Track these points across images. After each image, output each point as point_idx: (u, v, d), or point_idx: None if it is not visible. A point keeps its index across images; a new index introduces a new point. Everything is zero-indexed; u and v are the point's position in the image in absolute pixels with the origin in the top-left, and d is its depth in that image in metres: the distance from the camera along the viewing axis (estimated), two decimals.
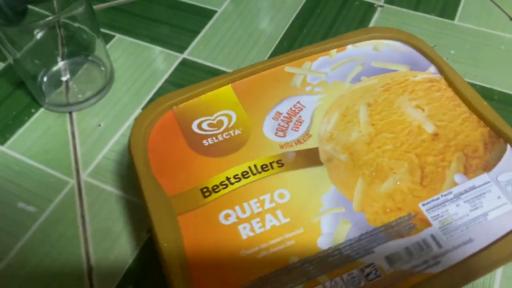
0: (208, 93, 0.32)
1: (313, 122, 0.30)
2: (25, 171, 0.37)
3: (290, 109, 0.31)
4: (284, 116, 0.31)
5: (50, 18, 0.32)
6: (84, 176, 0.36)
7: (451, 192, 0.27)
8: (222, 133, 0.30)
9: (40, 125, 0.39)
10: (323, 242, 0.25)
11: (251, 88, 0.32)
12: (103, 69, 0.41)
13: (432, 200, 0.27)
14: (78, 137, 0.38)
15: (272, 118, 0.31)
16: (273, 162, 0.29)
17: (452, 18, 0.46)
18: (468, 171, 0.28)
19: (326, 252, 0.25)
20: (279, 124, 0.30)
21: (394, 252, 0.25)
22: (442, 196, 0.27)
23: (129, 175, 0.36)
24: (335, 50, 0.34)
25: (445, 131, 0.29)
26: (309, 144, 0.29)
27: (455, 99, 0.31)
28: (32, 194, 0.35)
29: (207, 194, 0.27)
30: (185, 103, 0.32)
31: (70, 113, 0.40)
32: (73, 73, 0.41)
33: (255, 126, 0.30)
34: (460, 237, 0.25)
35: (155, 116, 0.31)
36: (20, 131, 0.39)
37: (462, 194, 0.27)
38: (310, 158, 0.29)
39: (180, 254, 0.25)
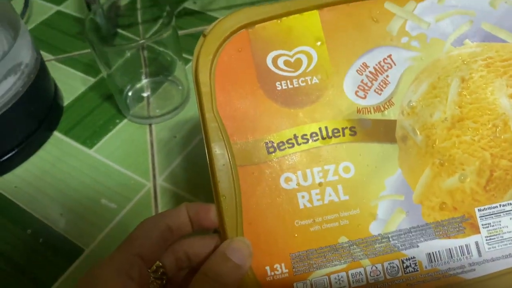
0: (291, 16, 0.27)
1: (399, 87, 0.27)
2: (108, 172, 0.40)
3: (379, 63, 0.28)
4: (370, 71, 0.27)
5: (140, 42, 0.39)
6: (159, 180, 0.40)
7: (510, 204, 0.27)
8: (298, 77, 0.27)
9: (123, 134, 0.43)
10: (375, 227, 0.26)
11: (341, 22, 0.28)
12: (180, 88, 0.45)
13: (490, 208, 0.27)
14: (156, 146, 0.42)
15: (357, 70, 0.27)
16: (346, 128, 0.27)
17: None
18: None
19: (375, 238, 0.26)
20: (362, 81, 0.27)
21: (436, 251, 0.26)
22: (500, 205, 0.27)
23: (198, 181, 0.39)
24: None
25: None
26: (389, 115, 0.27)
27: None
28: (113, 193, 0.39)
29: (271, 150, 0.26)
30: (263, 23, 0.27)
31: (150, 125, 0.44)
32: (154, 90, 0.46)
33: (336, 77, 0.27)
34: (502, 251, 0.26)
35: (227, 33, 0.27)
36: (106, 137, 0.43)
37: None
38: (386, 132, 0.27)
39: (236, 209, 0.25)
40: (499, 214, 0.27)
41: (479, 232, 0.26)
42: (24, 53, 0.40)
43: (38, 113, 0.42)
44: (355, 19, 0.28)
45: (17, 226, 0.37)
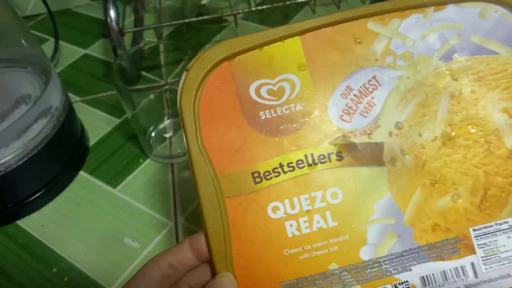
0: (272, 45, 0.28)
1: (386, 108, 0.27)
2: (131, 211, 0.41)
3: (364, 85, 0.27)
4: (354, 94, 0.27)
5: (166, 87, 0.39)
6: (181, 219, 0.40)
7: (506, 222, 0.26)
8: (281, 105, 0.27)
9: (146, 173, 0.44)
10: (365, 252, 0.26)
11: (323, 46, 0.28)
12: None
13: (485, 227, 0.26)
14: (177, 186, 0.43)
15: (341, 94, 0.27)
16: (332, 153, 0.27)
17: None
18: None
19: (366, 263, 0.26)
20: (346, 105, 0.27)
21: (430, 274, 0.26)
22: (496, 224, 0.26)
23: None
24: (433, 7, 0.28)
25: None
26: (375, 137, 0.27)
27: None
28: (136, 232, 0.40)
29: (258, 180, 0.26)
30: (245, 54, 0.27)
31: (172, 164, 0.45)
32: (176, 130, 0.46)
33: (320, 103, 0.27)
34: (499, 271, 0.26)
35: (209, 66, 0.27)
36: (130, 177, 0.44)
37: None
38: (373, 155, 0.27)
39: (225, 241, 0.26)
40: (495, 233, 0.26)
41: (475, 253, 0.26)
42: (54, 97, 0.41)
43: (65, 153, 0.44)
44: (338, 42, 0.28)
45: (43, 264, 0.38)
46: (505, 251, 0.26)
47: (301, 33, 0.28)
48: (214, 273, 0.26)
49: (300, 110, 0.27)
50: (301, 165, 0.26)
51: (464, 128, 0.27)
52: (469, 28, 0.28)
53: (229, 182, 0.26)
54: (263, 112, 0.27)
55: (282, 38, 0.27)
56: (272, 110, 0.27)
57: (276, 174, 0.26)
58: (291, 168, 0.26)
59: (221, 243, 0.26)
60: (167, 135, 0.46)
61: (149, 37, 0.60)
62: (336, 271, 0.26)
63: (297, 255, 0.26)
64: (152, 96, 0.41)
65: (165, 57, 0.50)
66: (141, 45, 0.51)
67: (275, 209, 0.26)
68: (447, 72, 0.27)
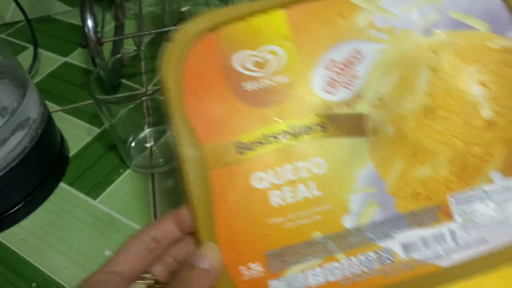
0: (257, 16, 0.28)
1: (368, 80, 0.28)
2: (112, 223, 0.41)
3: (347, 58, 0.28)
4: (338, 67, 0.28)
5: (145, 98, 0.40)
6: None
7: (484, 190, 0.27)
8: (266, 77, 0.27)
9: (126, 184, 0.44)
10: (348, 221, 0.26)
11: (307, 19, 0.28)
12: None
13: (463, 195, 0.27)
14: (158, 196, 0.42)
15: (325, 67, 0.27)
16: (316, 124, 0.27)
17: None
18: (508, 170, 0.27)
19: (349, 231, 0.26)
20: (330, 77, 0.27)
21: (411, 240, 0.26)
22: (474, 192, 0.27)
23: None
24: None
25: (502, 120, 0.27)
26: (358, 109, 0.27)
27: None
28: (117, 244, 0.37)
29: (241, 150, 0.26)
30: (230, 25, 0.27)
31: (152, 174, 0.44)
32: (156, 140, 0.46)
33: (304, 75, 0.27)
34: (477, 237, 0.27)
35: (193, 37, 0.27)
36: (110, 188, 0.44)
37: (495, 194, 0.27)
38: (356, 126, 0.27)
39: (209, 212, 0.26)
40: (473, 201, 0.27)
41: (454, 220, 0.27)
42: (31, 109, 0.40)
43: (44, 165, 0.43)
44: (322, 16, 0.28)
45: (23, 280, 0.37)
46: (483, 218, 0.27)
47: (286, 5, 0.28)
48: (198, 244, 0.26)
49: (284, 82, 0.27)
50: (285, 136, 0.27)
51: (444, 100, 0.27)
52: (449, 4, 0.29)
53: (213, 153, 0.26)
54: (247, 83, 0.27)
55: (266, 10, 0.28)
56: (256, 82, 0.27)
57: (260, 145, 0.26)
58: (275, 139, 0.27)
59: (204, 213, 0.26)
60: (148, 145, 0.45)
61: (130, 44, 0.59)
62: (320, 240, 0.26)
63: (281, 224, 0.26)
64: (131, 106, 0.40)
65: (145, 64, 0.49)
66: (119, 55, 0.51)
67: (259, 179, 0.26)
68: (428, 46, 0.28)
